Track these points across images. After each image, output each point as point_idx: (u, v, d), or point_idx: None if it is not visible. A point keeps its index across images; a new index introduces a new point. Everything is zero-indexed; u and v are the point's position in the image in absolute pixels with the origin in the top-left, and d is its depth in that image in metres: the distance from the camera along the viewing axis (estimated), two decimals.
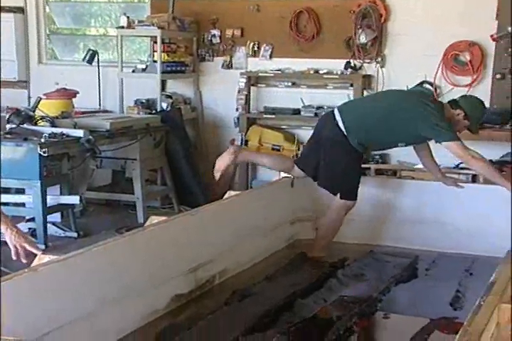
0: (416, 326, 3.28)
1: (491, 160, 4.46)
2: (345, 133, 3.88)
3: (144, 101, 6.41)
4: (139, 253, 2.95)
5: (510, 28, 5.44)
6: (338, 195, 3.99)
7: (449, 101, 4.05)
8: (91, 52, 6.44)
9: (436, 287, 3.72)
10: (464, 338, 1.77)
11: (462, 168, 5.38)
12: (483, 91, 5.49)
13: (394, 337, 3.17)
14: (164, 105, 6.25)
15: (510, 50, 5.51)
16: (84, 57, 6.46)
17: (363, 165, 4.27)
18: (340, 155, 3.97)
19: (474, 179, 5.21)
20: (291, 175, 4.26)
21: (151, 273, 3.01)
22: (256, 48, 6.36)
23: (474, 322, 1.87)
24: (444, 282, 3.75)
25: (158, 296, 3.10)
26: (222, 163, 4.15)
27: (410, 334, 3.17)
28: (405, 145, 4.05)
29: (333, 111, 4.01)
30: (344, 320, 3.05)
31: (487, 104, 4.73)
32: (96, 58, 6.43)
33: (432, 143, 4.11)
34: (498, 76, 5.59)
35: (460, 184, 4.23)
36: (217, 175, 4.17)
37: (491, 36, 5.55)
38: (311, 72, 6.10)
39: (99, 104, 6.57)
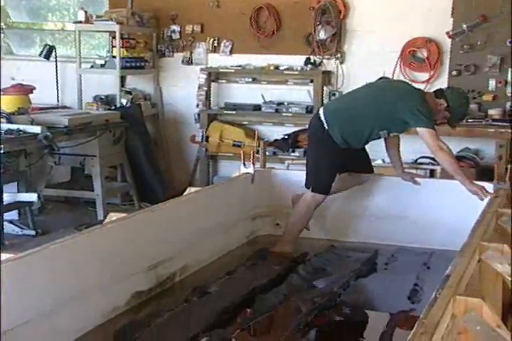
0: (375, 320, 3.34)
1: None
2: (325, 126, 3.90)
3: (103, 97, 6.35)
4: (97, 251, 2.92)
5: (464, 26, 5.53)
6: (310, 187, 4.01)
7: (435, 90, 4.07)
8: (48, 47, 6.34)
9: (395, 281, 3.78)
10: (420, 330, 1.79)
11: (420, 163, 5.48)
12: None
13: (353, 331, 3.20)
14: (124, 101, 6.20)
15: (465, 47, 5.60)
16: (41, 52, 6.35)
17: None
18: (319, 149, 4.02)
19: (432, 174, 5.31)
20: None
21: (110, 270, 2.99)
22: (216, 44, 6.35)
23: (430, 314, 1.90)
24: (403, 276, 3.82)
25: (118, 293, 3.08)
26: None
27: (369, 327, 3.22)
28: (387, 134, 3.95)
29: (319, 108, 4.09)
30: (304, 314, 3.07)
31: None
32: (53, 53, 6.34)
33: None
34: (454, 72, 5.68)
35: (417, 180, 4.28)
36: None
37: (447, 33, 5.63)
38: (272, 68, 6.11)
39: (57, 100, 6.48)
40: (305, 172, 4.09)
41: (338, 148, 3.93)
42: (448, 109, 3.88)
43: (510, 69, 5.56)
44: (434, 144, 3.77)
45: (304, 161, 4.27)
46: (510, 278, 2.45)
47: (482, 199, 3.77)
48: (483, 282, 2.47)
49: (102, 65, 6.27)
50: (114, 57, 6.10)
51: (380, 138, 3.99)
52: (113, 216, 3.13)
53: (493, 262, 2.47)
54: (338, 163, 4.01)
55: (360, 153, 4.14)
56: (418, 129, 3.79)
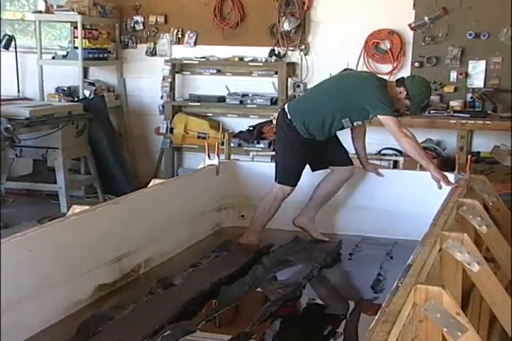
0: (339, 309, 3.37)
1: None
2: (289, 116, 3.92)
3: (65, 88, 6.27)
4: (60, 244, 2.89)
5: (426, 18, 5.59)
6: (278, 179, 4.02)
7: (397, 80, 4.08)
8: (7, 37, 6.22)
9: (359, 271, 3.82)
10: (382, 318, 1.82)
11: (384, 155, 5.54)
12: None
13: (317, 321, 3.23)
14: (87, 93, 6.13)
15: (427, 39, 5.66)
16: (0, 42, 6.23)
17: None
18: (283, 140, 4.03)
19: (395, 165, 5.37)
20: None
21: (73, 263, 2.96)
22: (180, 35, 6.31)
23: (392, 303, 1.93)
24: (366, 266, 3.86)
25: (81, 286, 3.05)
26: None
27: (334, 317, 3.26)
28: (350, 123, 3.93)
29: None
30: (269, 305, 3.09)
31: None
32: (13, 43, 6.22)
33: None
34: (416, 64, 5.75)
35: (380, 171, 4.32)
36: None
37: (409, 25, 5.69)
38: (236, 59, 6.10)
39: (18, 92, 6.38)
40: (271, 164, 4.11)
41: (302, 139, 3.94)
42: (408, 97, 3.89)
43: (470, 62, 5.64)
44: (398, 131, 3.81)
45: (269, 153, 4.29)
46: (469, 267, 2.50)
47: (440, 188, 3.83)
48: (443, 271, 2.51)
49: (64, 56, 6.19)
50: (76, 48, 6.03)
51: (343, 127, 3.99)
52: (76, 208, 3.10)
53: (454, 251, 2.51)
54: (303, 155, 4.02)
55: (331, 146, 4.11)
56: (380, 117, 3.82)
